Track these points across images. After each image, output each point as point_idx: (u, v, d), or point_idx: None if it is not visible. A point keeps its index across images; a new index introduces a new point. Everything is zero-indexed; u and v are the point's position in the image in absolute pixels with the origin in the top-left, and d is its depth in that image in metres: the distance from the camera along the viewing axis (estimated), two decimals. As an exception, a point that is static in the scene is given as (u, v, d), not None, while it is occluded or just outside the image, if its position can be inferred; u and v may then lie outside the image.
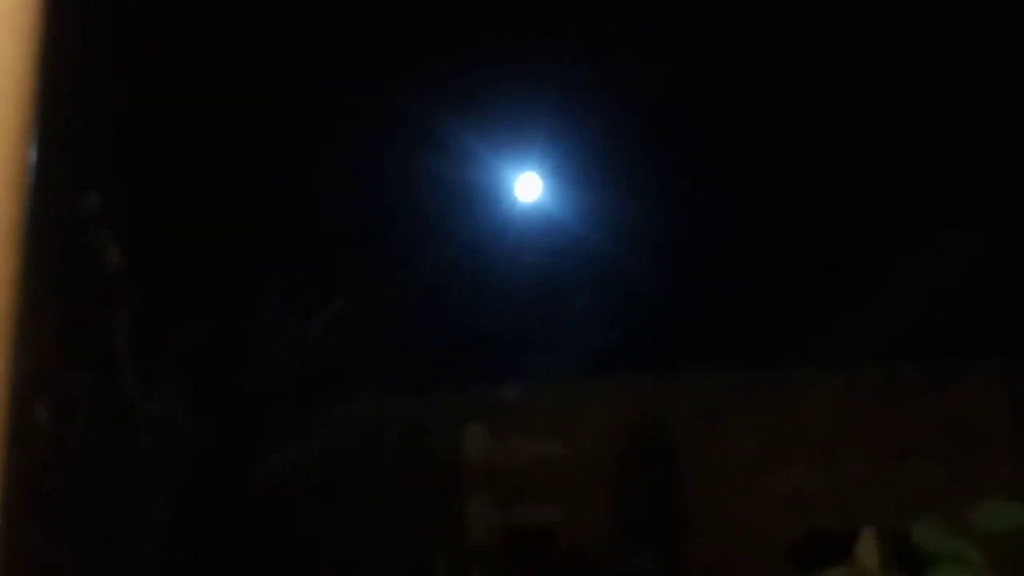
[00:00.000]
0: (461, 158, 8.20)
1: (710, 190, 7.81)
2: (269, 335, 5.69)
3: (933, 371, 5.92)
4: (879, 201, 6.72)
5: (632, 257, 7.87)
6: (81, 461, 5.16)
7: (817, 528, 5.76)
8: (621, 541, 6.63)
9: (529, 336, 7.90)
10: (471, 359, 7.07)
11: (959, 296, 6.00)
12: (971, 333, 5.92)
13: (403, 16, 7.76)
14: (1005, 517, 3.27)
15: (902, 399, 6.14)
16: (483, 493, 6.39)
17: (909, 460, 5.97)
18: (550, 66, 7.87)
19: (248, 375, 5.64)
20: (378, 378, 5.95)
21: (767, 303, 7.04)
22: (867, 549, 3.13)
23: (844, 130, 7.18)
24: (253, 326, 5.62)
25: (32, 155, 1.83)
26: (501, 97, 8.25)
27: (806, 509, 6.09)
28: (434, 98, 7.88)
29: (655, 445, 6.74)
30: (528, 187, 8.92)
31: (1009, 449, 5.78)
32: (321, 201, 7.00)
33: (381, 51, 7.74)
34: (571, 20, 8.04)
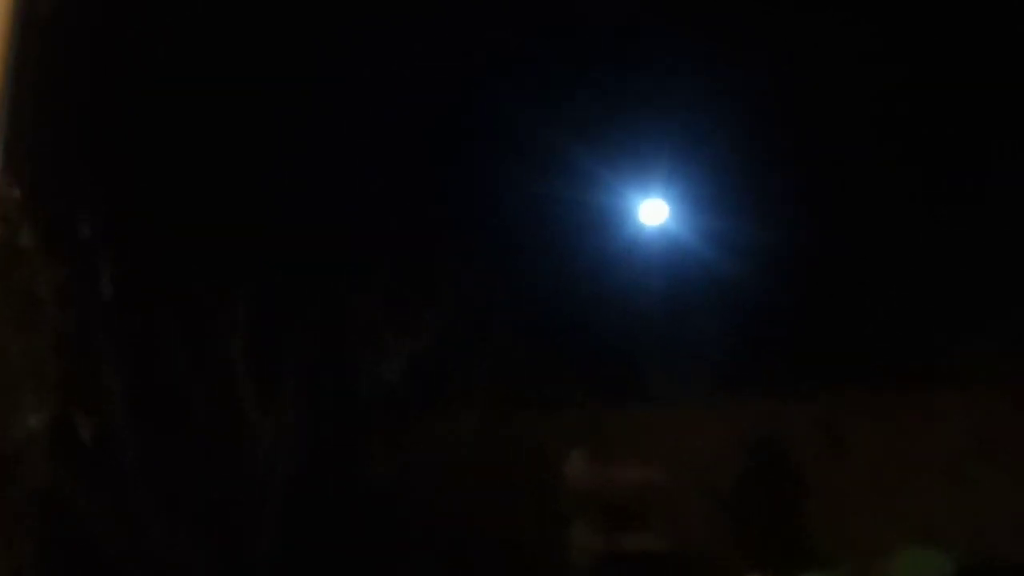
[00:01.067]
0: (586, 182, 8.25)
1: (834, 212, 7.59)
2: (378, 350, 5.83)
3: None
4: (1011, 214, 6.39)
5: (754, 279, 7.71)
6: (200, 471, 5.41)
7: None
8: (738, 570, 6.43)
9: (647, 358, 7.82)
10: (588, 380, 7.04)
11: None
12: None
13: (530, 41, 7.90)
14: (923, 565, 3.25)
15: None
16: (586, 518, 6.31)
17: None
18: (675, 91, 7.85)
19: (356, 388, 5.78)
20: (487, 395, 6.00)
21: (892, 323, 6.77)
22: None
23: (976, 146, 6.89)
24: (361, 341, 5.77)
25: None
26: (626, 122, 8.28)
27: (932, 530, 5.78)
28: (560, 123, 7.98)
29: (774, 469, 6.54)
30: (653, 211, 8.87)
31: None
32: (445, 223, 7.16)
33: (507, 76, 7.88)
34: (696, 47, 8.02)
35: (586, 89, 8.39)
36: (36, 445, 3.02)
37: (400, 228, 6.30)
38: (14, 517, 2.94)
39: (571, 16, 8.14)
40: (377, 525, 5.56)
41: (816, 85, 7.44)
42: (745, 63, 8.03)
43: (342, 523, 5.44)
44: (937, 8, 7.08)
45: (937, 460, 6.01)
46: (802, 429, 6.62)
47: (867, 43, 7.05)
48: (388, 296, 5.76)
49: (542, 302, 6.86)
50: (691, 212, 8.65)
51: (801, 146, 7.77)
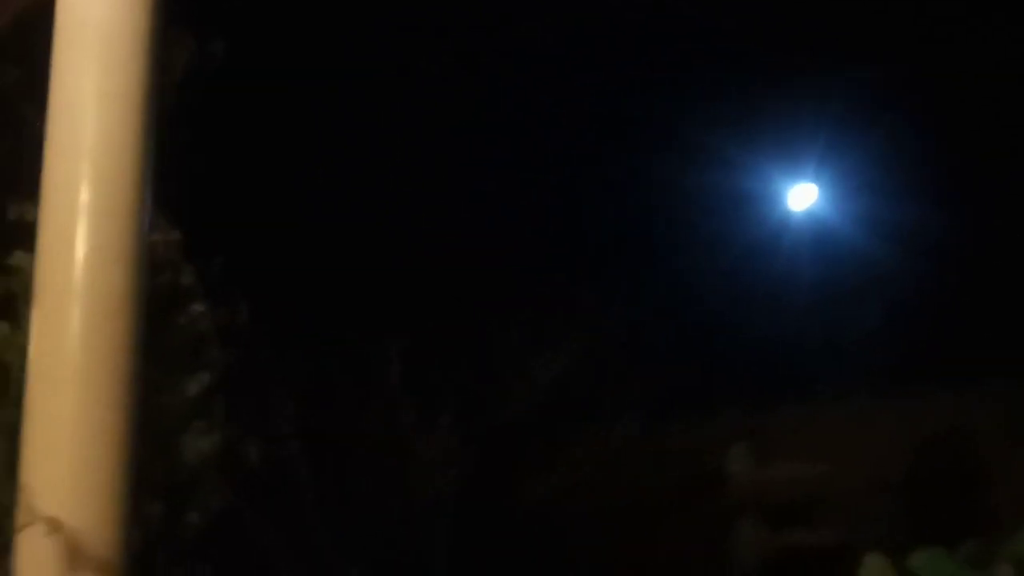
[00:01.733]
0: (736, 169, 7.99)
1: (999, 191, 7.13)
2: (526, 368, 5.80)
3: None
4: None
5: (920, 266, 7.28)
6: (363, 497, 5.51)
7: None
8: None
9: (808, 352, 7.51)
10: (742, 379, 6.82)
11: None
12: None
13: (676, 31, 7.71)
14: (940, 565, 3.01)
15: None
16: (749, 517, 6.12)
17: None
18: (823, 75, 7.54)
19: (508, 408, 5.77)
20: (642, 401, 5.89)
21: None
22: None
23: None
24: (509, 362, 5.76)
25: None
26: (775, 107, 8.00)
27: None
28: (710, 110, 7.76)
29: (954, 463, 6.21)
30: (803, 196, 8.51)
31: None
32: (592, 219, 7.06)
33: (655, 66, 7.71)
34: (844, 29, 7.69)
35: (735, 75, 8.14)
36: (209, 469, 3.10)
37: (547, 245, 6.25)
38: (192, 540, 3.03)
39: (716, 9, 7.92)
40: (539, 543, 5.54)
41: (971, 73, 7.01)
42: (895, 49, 7.65)
43: (505, 543, 5.43)
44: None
45: None
46: (983, 421, 6.28)
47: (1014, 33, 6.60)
48: (535, 313, 5.73)
49: (695, 300, 6.68)
50: (845, 196, 8.25)
51: (961, 129, 7.31)
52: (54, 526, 1.77)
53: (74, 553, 1.78)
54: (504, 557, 5.42)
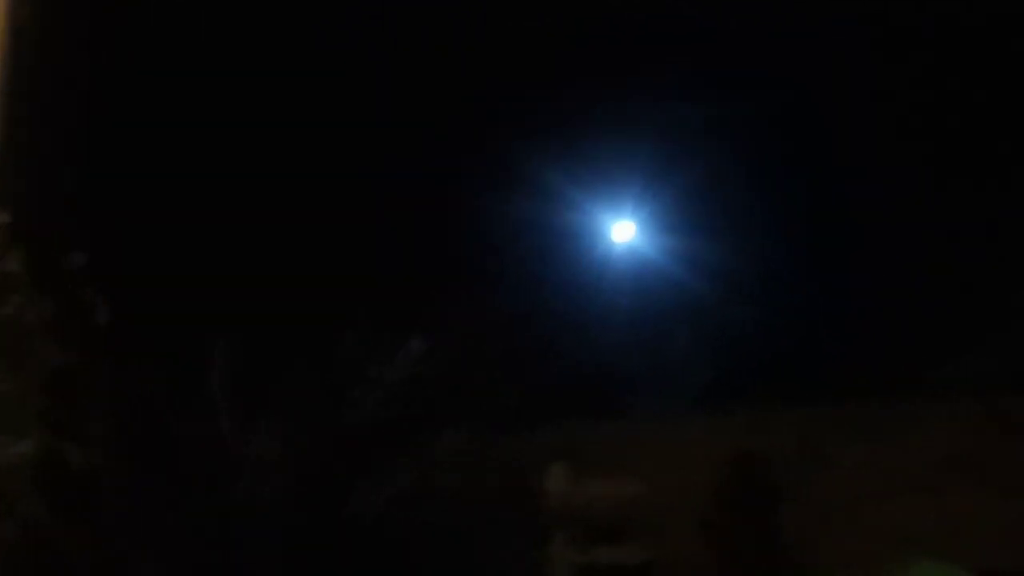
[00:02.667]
0: (557, 202, 8.32)
1: (806, 228, 7.71)
2: (359, 376, 5.84)
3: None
4: (984, 230, 6.52)
5: (728, 295, 7.80)
6: (185, 501, 5.38)
7: (922, 564, 5.53)
8: (720, 582, 6.47)
9: (623, 375, 7.88)
10: (563, 398, 7.08)
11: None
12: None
13: (500, 60, 7.95)
14: None
15: (1010, 433, 5.88)
16: (565, 533, 6.34)
17: (1017, 496, 5.70)
18: (644, 111, 7.94)
19: (338, 415, 5.79)
20: (467, 417, 6.02)
21: (865, 337, 6.87)
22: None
23: (950, 155, 7.01)
24: (342, 368, 5.78)
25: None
26: (596, 142, 8.36)
27: (911, 546, 5.85)
28: (531, 143, 8.04)
29: (753, 482, 6.60)
30: (623, 231, 8.97)
31: None
32: (418, 242, 7.18)
33: (479, 95, 7.93)
34: (666, 64, 8.12)
35: (559, 112, 8.47)
36: (23, 474, 2.98)
37: (380, 257, 6.33)
38: (7, 548, 2.90)
39: (549, 40, 8.22)
40: (362, 556, 5.54)
41: (782, 108, 7.56)
42: (715, 86, 8.15)
43: (327, 555, 5.42)
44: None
45: (916, 473, 6.10)
46: (780, 443, 6.70)
47: (847, 55, 7.17)
48: (369, 326, 5.78)
49: (521, 323, 6.90)
50: (661, 232, 8.76)
51: (773, 161, 7.89)
52: None
53: None
54: (326, 569, 5.40)
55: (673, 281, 7.91)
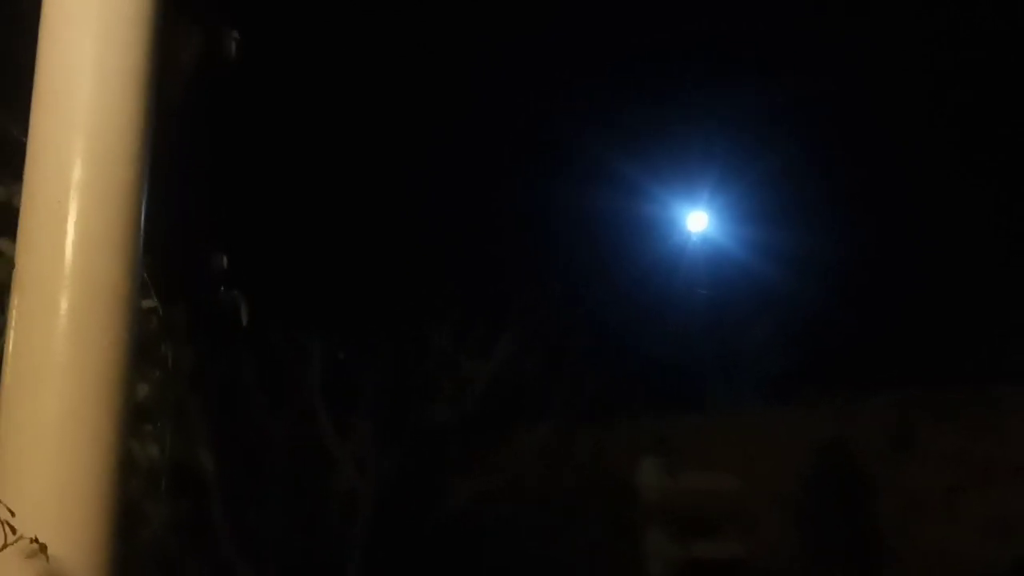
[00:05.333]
0: (633, 193, 8.28)
1: (888, 212, 7.61)
2: (447, 373, 5.86)
3: None
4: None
5: (810, 284, 7.72)
6: (284, 499, 5.43)
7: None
8: (812, 573, 6.41)
9: (706, 367, 7.83)
10: (648, 391, 7.05)
11: None
12: None
13: (575, 52, 7.93)
14: None
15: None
16: (661, 527, 6.30)
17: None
18: (718, 102, 7.88)
19: (430, 412, 5.81)
20: (556, 411, 6.03)
21: (955, 321, 6.77)
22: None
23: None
24: (431, 365, 5.81)
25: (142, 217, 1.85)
26: (672, 132, 8.32)
27: (1009, 535, 5.76)
28: (607, 134, 8.01)
29: (844, 472, 6.53)
30: (698, 221, 8.90)
31: None
32: (493, 237, 7.18)
33: (552, 88, 7.91)
34: (741, 56, 8.05)
35: (634, 105, 8.42)
36: (159, 477, 2.99)
37: (467, 255, 6.35)
38: (139, 552, 2.92)
39: (626, 33, 8.19)
40: (458, 549, 5.56)
41: (856, 101, 7.47)
42: (786, 79, 8.07)
43: (425, 549, 5.44)
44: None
45: (1006, 458, 6.00)
46: (869, 432, 6.62)
47: (903, 56, 7.08)
48: (459, 325, 5.79)
49: (603, 318, 6.88)
50: (739, 221, 8.68)
51: (848, 152, 7.80)
52: (36, 548, 1.63)
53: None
54: (421, 561, 5.43)
55: (749, 271, 7.86)
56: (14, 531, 1.49)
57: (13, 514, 1.54)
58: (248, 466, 5.39)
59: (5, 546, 1.48)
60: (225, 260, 3.41)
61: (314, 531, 5.46)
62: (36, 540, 1.49)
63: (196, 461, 4.62)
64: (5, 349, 1.84)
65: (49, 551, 1.52)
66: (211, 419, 5.22)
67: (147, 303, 3.25)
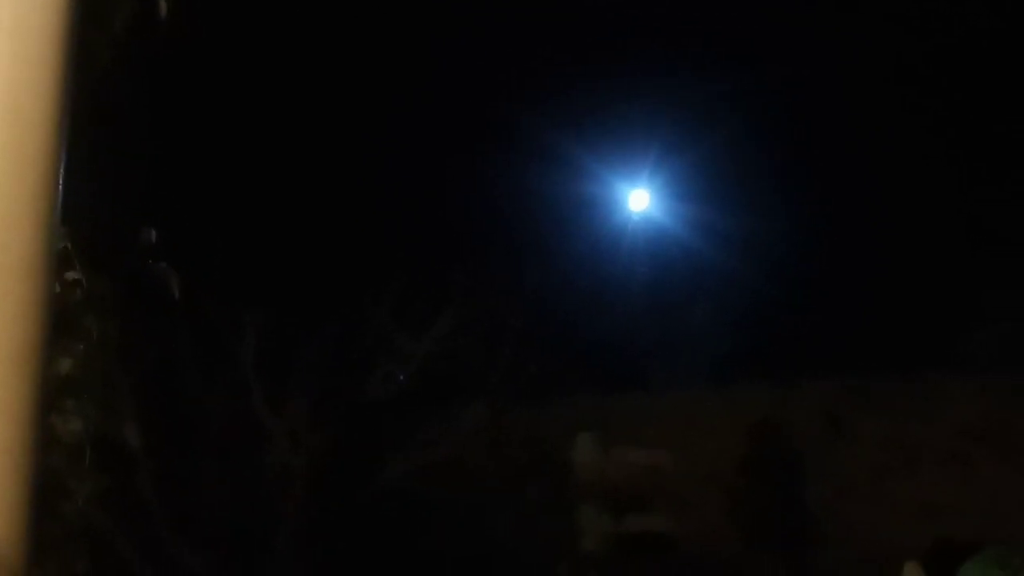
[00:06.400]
0: (574, 172, 8.27)
1: (829, 197, 7.69)
2: (384, 349, 5.82)
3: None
4: (1009, 200, 6.50)
5: (750, 267, 7.79)
6: (216, 473, 5.37)
7: (945, 537, 5.57)
8: (742, 550, 6.51)
9: (644, 347, 7.88)
10: (586, 370, 7.08)
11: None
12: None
13: (516, 32, 7.87)
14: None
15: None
16: (594, 502, 6.36)
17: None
18: (662, 81, 7.88)
19: (366, 388, 5.78)
20: (492, 388, 6.02)
21: (891, 308, 6.87)
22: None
23: (971, 132, 6.98)
24: (369, 341, 5.77)
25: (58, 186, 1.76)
26: (614, 112, 8.31)
27: (934, 518, 5.88)
28: (547, 113, 7.97)
29: (777, 453, 6.62)
30: (640, 200, 8.92)
31: None
32: (434, 215, 7.13)
33: (493, 67, 7.86)
34: (681, 36, 8.05)
35: (574, 83, 8.39)
36: (76, 452, 2.91)
37: (405, 232, 6.29)
38: (62, 527, 2.85)
39: (562, 12, 8.13)
40: (392, 525, 5.55)
41: (802, 81, 7.53)
42: (731, 59, 8.10)
43: (358, 524, 5.42)
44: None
45: (940, 446, 6.12)
46: (803, 415, 6.71)
47: (866, 25, 7.12)
48: (398, 301, 5.75)
49: (543, 297, 6.86)
50: (682, 201, 8.72)
51: (794, 135, 7.86)
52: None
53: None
54: (355, 536, 5.41)
55: (690, 251, 7.91)
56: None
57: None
58: (179, 440, 5.32)
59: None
60: (154, 233, 3.34)
61: (246, 506, 5.41)
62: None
63: (122, 436, 4.54)
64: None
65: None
66: (140, 393, 5.15)
67: (71, 275, 3.16)
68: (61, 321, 3.23)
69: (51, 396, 3.11)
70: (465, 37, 6.87)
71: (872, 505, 6.13)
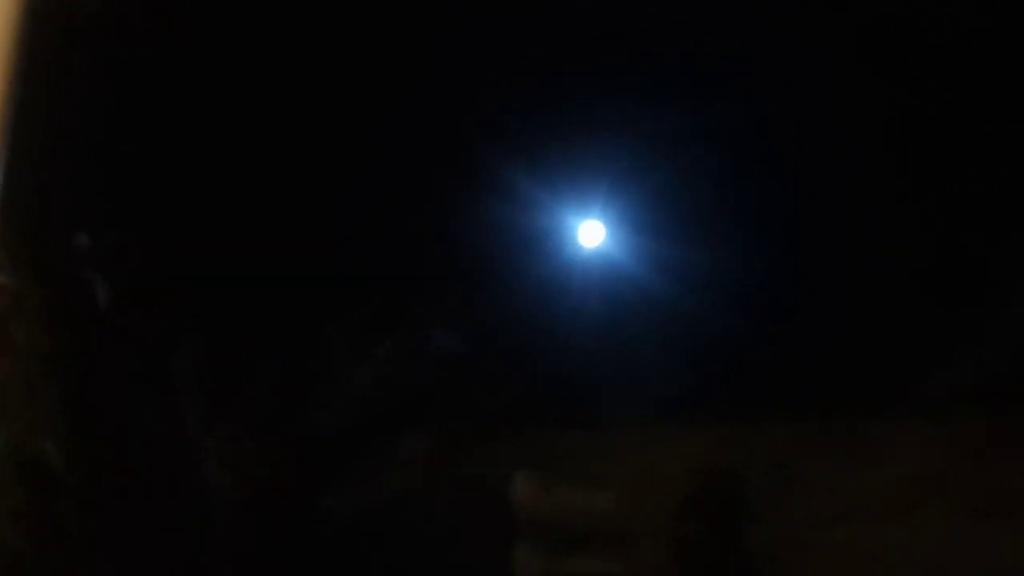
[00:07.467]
0: (523, 203, 8.15)
1: (787, 236, 7.63)
2: (329, 375, 5.68)
3: (1021, 422, 5.68)
4: (963, 240, 6.51)
5: (701, 304, 7.71)
6: (142, 495, 5.16)
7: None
8: (684, 596, 6.42)
9: (593, 383, 7.75)
10: (531, 405, 6.95)
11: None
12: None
13: (466, 57, 7.77)
14: None
15: (988, 451, 5.90)
16: (530, 542, 6.20)
17: (994, 518, 5.72)
18: (613, 110, 7.82)
19: (308, 414, 5.62)
20: (438, 421, 5.89)
21: (841, 351, 6.84)
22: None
23: (918, 177, 7.00)
24: (313, 366, 5.62)
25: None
26: (564, 142, 8.22)
27: (883, 567, 5.84)
28: (497, 142, 7.86)
29: (722, 497, 6.54)
30: (592, 233, 8.79)
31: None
32: (380, 245, 6.96)
33: (441, 93, 7.74)
34: (638, 64, 8.01)
35: (524, 109, 8.31)
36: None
37: (349, 258, 6.10)
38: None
39: (513, 39, 8.06)
40: (327, 557, 5.36)
41: (761, 115, 7.47)
42: (690, 89, 8.06)
43: (292, 555, 5.22)
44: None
45: (885, 494, 6.08)
46: (750, 458, 6.64)
47: (825, 59, 7.07)
48: (343, 326, 5.60)
49: (491, 328, 6.71)
50: (633, 235, 8.60)
51: (751, 168, 7.78)
52: None
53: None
54: (288, 568, 5.21)
55: (643, 286, 7.76)
56: None
57: None
58: (105, 460, 5.07)
59: None
60: (87, 239, 3.18)
61: (175, 531, 5.17)
62: None
63: (44, 452, 4.33)
64: None
65: None
66: (66, 408, 4.90)
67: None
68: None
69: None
70: (416, 64, 6.77)
71: (817, 552, 6.07)
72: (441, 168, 7.31)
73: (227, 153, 5.65)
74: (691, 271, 7.27)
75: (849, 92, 6.68)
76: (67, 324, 3.07)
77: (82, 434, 4.34)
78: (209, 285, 5.19)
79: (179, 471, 4.76)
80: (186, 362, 4.92)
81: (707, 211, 7.33)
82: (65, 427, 4.03)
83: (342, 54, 6.31)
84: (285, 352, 5.21)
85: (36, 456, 3.30)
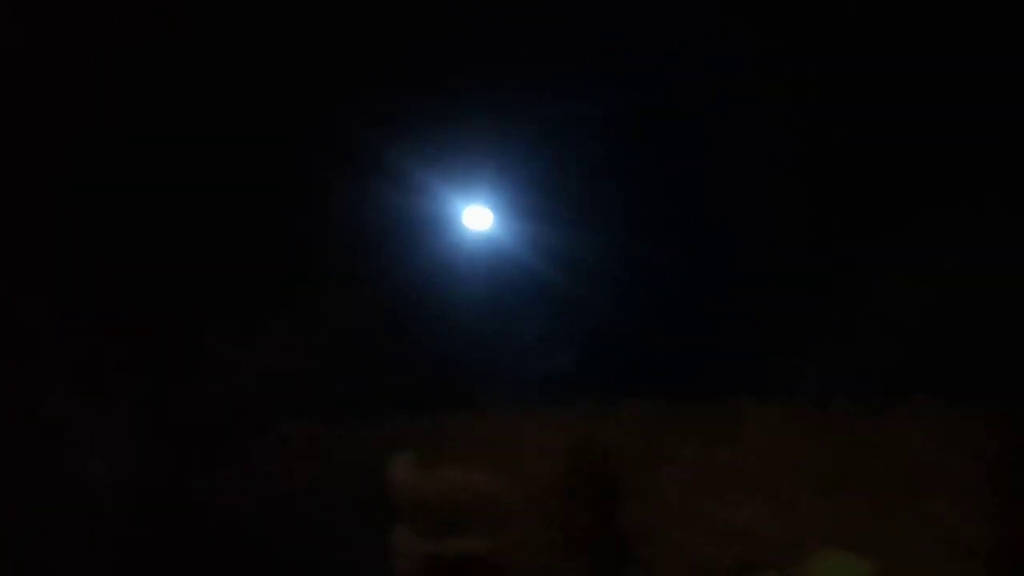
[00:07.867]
0: (409, 187, 8.22)
1: (663, 224, 7.90)
2: (207, 361, 5.64)
3: (869, 403, 6.06)
4: (817, 237, 6.86)
5: (576, 287, 7.95)
6: (12, 487, 5.04)
7: (747, 559, 5.85)
8: (558, 571, 6.61)
9: (472, 365, 7.90)
10: (410, 386, 7.05)
11: (899, 329, 6.18)
12: (909, 367, 6.09)
13: (354, 44, 7.76)
14: (840, 571, 3.35)
15: (838, 431, 6.27)
16: (408, 523, 6.32)
17: (843, 494, 6.08)
18: (502, 96, 7.93)
19: (182, 398, 5.57)
20: (319, 406, 5.92)
21: (711, 338, 7.14)
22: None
23: (798, 179, 7.31)
24: (189, 351, 5.57)
25: None
26: (451, 126, 8.29)
27: (743, 540, 6.15)
28: (382, 128, 7.89)
29: (596, 475, 6.76)
30: (477, 218, 8.95)
31: (943, 485, 5.93)
32: (262, 231, 6.92)
33: (331, 79, 7.73)
34: (523, 49, 8.12)
35: (412, 95, 8.34)
36: None
37: (233, 244, 6.06)
38: None
39: (401, 24, 8.07)
40: (207, 546, 5.34)
41: (650, 101, 7.69)
42: (578, 65, 8.20)
43: (171, 544, 5.19)
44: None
45: (749, 472, 6.40)
46: (622, 436, 6.88)
47: (709, 44, 7.30)
48: (225, 311, 5.56)
49: (373, 312, 6.79)
50: (516, 219, 8.79)
51: (633, 153, 8.02)
52: None
53: None
54: (167, 556, 5.18)
55: (527, 270, 7.98)
56: None
57: None
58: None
59: None
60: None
61: (47, 523, 5.10)
62: None
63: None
64: None
65: None
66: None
67: None
68: None
69: None
70: (301, 45, 6.72)
71: (684, 527, 6.35)
72: (325, 154, 7.20)
73: (101, 136, 5.45)
74: (573, 257, 7.36)
75: (733, 86, 6.79)
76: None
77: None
78: (83, 271, 5.07)
79: (55, 460, 4.67)
80: (57, 342, 4.82)
81: (591, 199, 7.41)
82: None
83: (225, 41, 6.11)
84: (162, 340, 5.14)
85: None
